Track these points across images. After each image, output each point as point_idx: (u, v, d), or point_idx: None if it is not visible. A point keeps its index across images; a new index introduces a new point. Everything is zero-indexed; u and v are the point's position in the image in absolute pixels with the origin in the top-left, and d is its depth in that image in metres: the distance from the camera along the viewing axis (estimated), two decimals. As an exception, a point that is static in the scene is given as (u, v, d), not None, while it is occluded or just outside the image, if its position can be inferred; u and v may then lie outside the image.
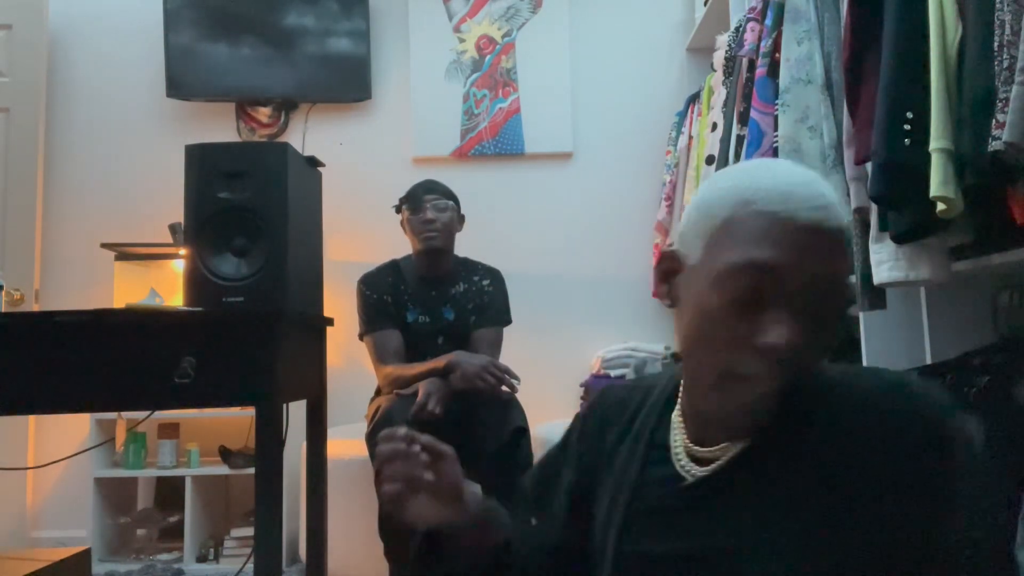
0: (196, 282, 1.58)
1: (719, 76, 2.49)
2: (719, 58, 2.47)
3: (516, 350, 2.67)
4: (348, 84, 3.27)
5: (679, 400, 0.82)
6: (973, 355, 1.54)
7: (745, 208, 0.70)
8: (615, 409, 0.90)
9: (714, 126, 2.51)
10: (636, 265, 3.27)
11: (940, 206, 1.33)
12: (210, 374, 1.49)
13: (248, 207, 1.59)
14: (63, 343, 1.49)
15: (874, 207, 1.60)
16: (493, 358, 2.29)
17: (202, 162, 1.61)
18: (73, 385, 1.49)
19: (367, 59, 3.27)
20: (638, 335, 3.20)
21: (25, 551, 2.33)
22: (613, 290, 3.30)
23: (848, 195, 1.76)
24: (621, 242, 3.31)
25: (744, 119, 2.16)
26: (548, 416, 3.03)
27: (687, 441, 0.79)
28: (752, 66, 2.17)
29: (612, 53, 3.40)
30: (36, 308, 2.92)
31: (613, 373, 2.91)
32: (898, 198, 1.43)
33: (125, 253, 2.96)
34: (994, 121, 1.19)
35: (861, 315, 1.75)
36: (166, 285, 2.94)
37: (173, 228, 2.86)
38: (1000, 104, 1.18)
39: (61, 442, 3.10)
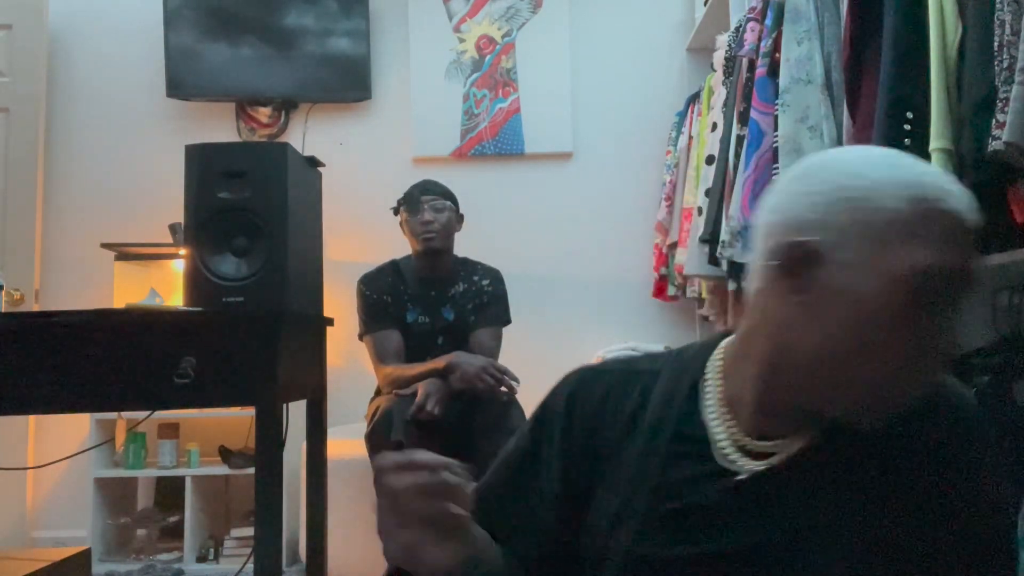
0: (196, 282, 1.58)
1: (719, 76, 2.49)
2: (719, 58, 2.48)
3: (516, 350, 2.67)
4: (348, 84, 3.27)
5: (718, 388, 0.77)
6: (973, 355, 1.54)
7: (922, 204, 0.65)
8: (607, 401, 0.81)
9: (714, 126, 2.51)
10: (636, 265, 3.27)
11: (940, 206, 1.33)
12: (210, 374, 1.49)
13: (248, 207, 1.59)
14: (63, 343, 1.49)
15: (874, 207, 1.60)
16: (492, 358, 2.29)
17: (202, 162, 1.61)
18: (73, 385, 1.49)
19: (367, 59, 3.27)
20: (638, 335, 3.20)
21: (25, 551, 2.33)
22: (613, 290, 3.30)
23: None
24: (621, 242, 3.31)
25: (744, 119, 2.16)
26: (548, 416, 3.03)
27: (738, 433, 0.74)
28: (752, 66, 2.17)
29: (612, 53, 3.40)
30: (36, 308, 2.92)
31: (613, 373, 2.91)
32: (898, 198, 1.42)
33: (125, 253, 2.96)
34: (994, 121, 1.19)
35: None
36: (166, 285, 2.94)
37: (173, 228, 2.86)
38: (1000, 104, 1.18)
39: (61, 442, 3.09)
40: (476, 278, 2.44)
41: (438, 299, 2.38)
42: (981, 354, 1.55)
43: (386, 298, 2.35)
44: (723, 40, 2.48)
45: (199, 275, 1.58)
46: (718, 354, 0.80)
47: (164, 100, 3.26)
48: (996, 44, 1.21)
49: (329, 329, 1.98)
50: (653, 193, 3.28)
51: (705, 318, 2.85)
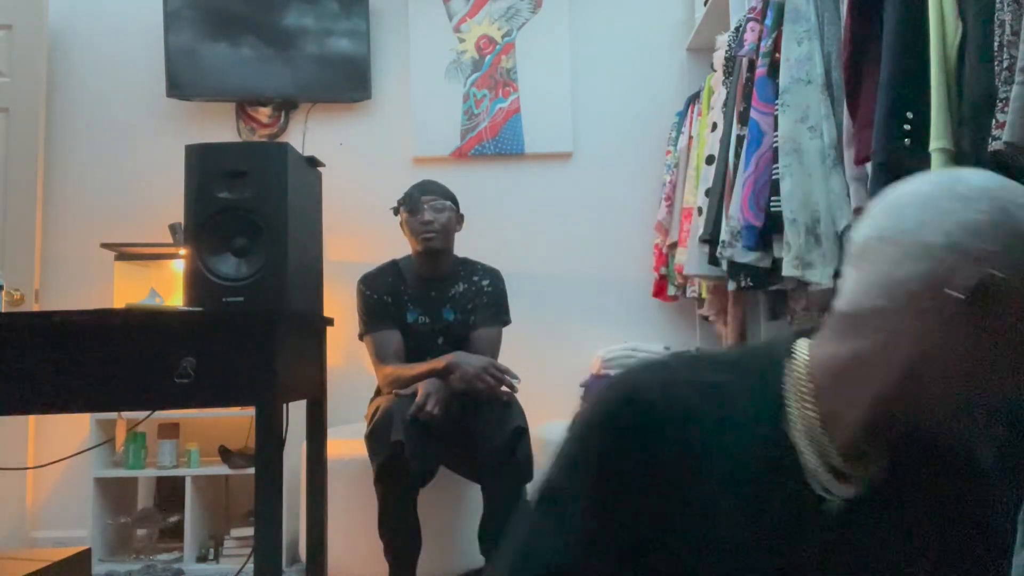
0: (196, 282, 1.58)
1: (719, 76, 2.49)
2: (719, 58, 2.48)
3: (516, 350, 2.67)
4: (348, 84, 3.27)
5: (808, 406, 0.71)
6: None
7: None
8: (668, 426, 0.71)
9: (714, 126, 2.51)
10: (636, 265, 3.27)
11: (940, 206, 1.33)
12: (210, 374, 1.49)
13: (248, 207, 1.59)
14: (63, 343, 1.49)
15: (874, 207, 1.60)
16: (493, 358, 2.29)
17: (202, 162, 1.61)
18: (73, 385, 1.49)
19: (367, 59, 3.27)
20: (638, 335, 3.20)
21: (25, 551, 2.33)
22: (613, 290, 3.30)
23: (848, 195, 1.77)
24: (621, 242, 3.31)
25: (744, 119, 2.16)
26: (548, 416, 3.03)
27: (833, 455, 0.70)
28: (752, 66, 2.17)
29: (612, 53, 3.40)
30: (36, 308, 2.92)
31: (613, 373, 2.90)
32: (898, 198, 1.43)
33: (125, 253, 2.96)
34: (994, 121, 1.19)
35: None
36: (166, 285, 2.95)
37: (173, 228, 2.86)
38: (1000, 104, 1.18)
39: (61, 442, 3.10)
40: (476, 278, 2.44)
41: (438, 299, 2.38)
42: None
43: (386, 298, 2.35)
44: (723, 40, 2.48)
45: (199, 275, 1.58)
46: (799, 368, 0.73)
47: (164, 100, 3.26)
48: (996, 44, 1.21)
49: (329, 329, 1.98)
50: (653, 193, 3.28)
51: (705, 318, 2.84)
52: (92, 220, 3.25)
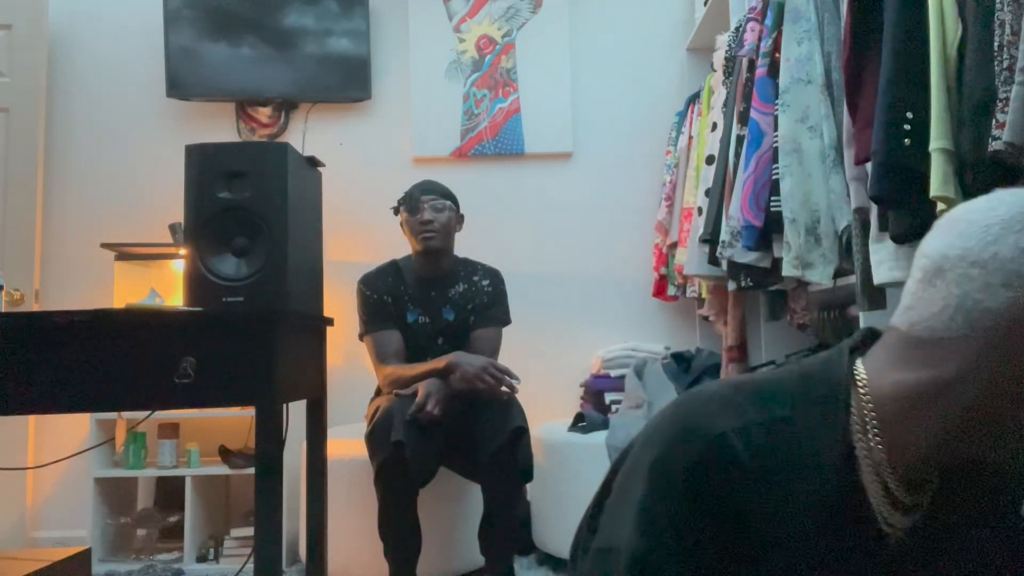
0: (196, 282, 1.58)
1: (719, 76, 2.49)
2: (719, 58, 2.48)
3: (516, 350, 2.67)
4: (348, 84, 3.27)
5: (872, 438, 0.68)
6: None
7: None
8: (754, 486, 0.68)
9: (714, 126, 2.51)
10: (636, 265, 3.28)
11: (940, 206, 1.33)
12: (210, 374, 1.49)
13: (248, 207, 1.59)
14: (63, 343, 1.49)
15: (874, 207, 1.60)
16: (493, 359, 2.29)
17: (202, 162, 1.61)
18: (73, 385, 1.49)
19: (367, 59, 3.27)
20: (638, 335, 3.21)
21: (25, 551, 2.32)
22: (613, 290, 3.30)
23: (848, 195, 1.77)
24: (621, 242, 3.31)
25: (744, 119, 2.16)
26: (548, 416, 3.04)
27: (898, 489, 0.68)
28: (752, 66, 2.17)
29: (612, 53, 3.40)
30: (36, 308, 2.92)
31: (613, 373, 2.91)
32: (898, 198, 1.43)
33: (125, 253, 2.96)
34: (994, 121, 1.19)
35: (861, 315, 1.75)
36: (166, 285, 2.95)
37: (173, 228, 2.86)
38: (1000, 104, 1.18)
39: (61, 442, 3.10)
40: (476, 278, 2.44)
41: (438, 299, 2.38)
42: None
43: (386, 298, 2.35)
44: (723, 40, 2.48)
45: (199, 275, 1.58)
46: (864, 396, 0.69)
47: (164, 100, 3.27)
48: (996, 44, 1.21)
49: (329, 329, 1.98)
50: (653, 193, 3.29)
51: (705, 318, 2.85)
52: (92, 220, 3.25)
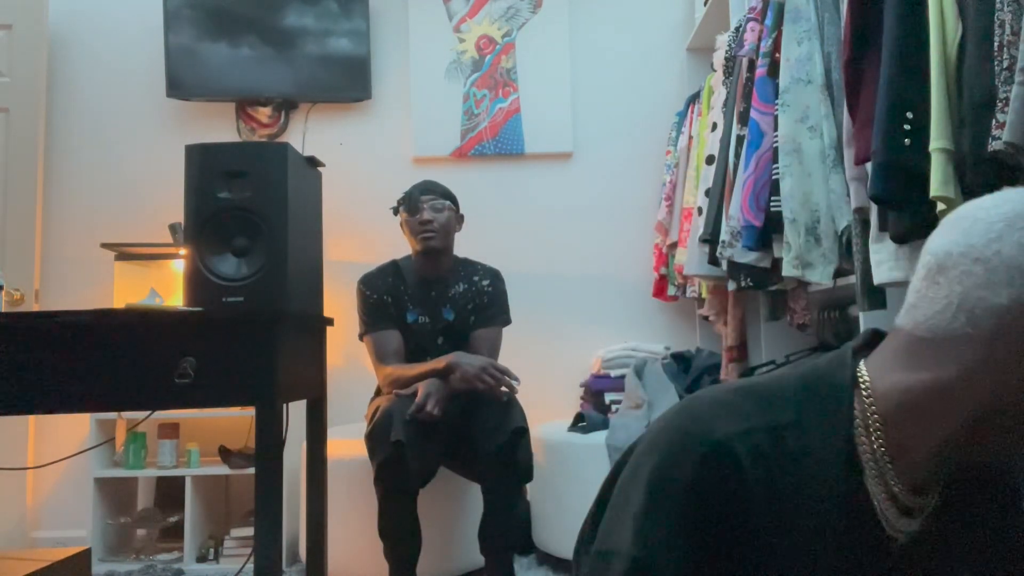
0: (196, 282, 1.58)
1: (719, 76, 2.49)
2: (719, 58, 2.48)
3: (516, 350, 2.67)
4: (348, 84, 3.27)
5: (876, 440, 0.67)
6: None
7: None
8: (756, 491, 0.67)
9: (714, 126, 2.51)
10: (636, 265, 3.28)
11: (940, 206, 1.33)
12: (210, 374, 1.49)
13: (248, 207, 1.59)
14: (63, 343, 1.49)
15: (874, 207, 1.60)
16: (492, 359, 2.29)
17: (202, 162, 1.61)
18: (73, 385, 1.49)
19: (367, 59, 3.27)
20: (638, 335, 3.21)
21: (25, 551, 2.33)
22: (613, 290, 3.30)
23: (848, 195, 1.77)
24: (621, 242, 3.31)
25: (744, 119, 2.16)
26: (548, 416, 3.04)
27: (903, 492, 0.67)
28: (752, 66, 2.17)
29: (612, 53, 3.40)
30: (36, 308, 2.92)
31: (613, 373, 2.91)
32: (898, 198, 1.43)
33: (125, 253, 2.96)
34: (994, 121, 1.19)
35: (861, 315, 1.75)
36: (166, 285, 2.95)
37: (173, 228, 2.86)
38: (1000, 104, 1.18)
39: (61, 442, 3.10)
40: (476, 278, 2.44)
41: (438, 299, 2.38)
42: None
43: (386, 298, 2.35)
44: (723, 40, 2.48)
45: (199, 275, 1.58)
46: (867, 398, 0.69)
47: (164, 100, 3.27)
48: (996, 44, 1.21)
49: (329, 329, 1.98)
50: (653, 193, 3.29)
51: (705, 318, 2.85)
52: (92, 220, 3.25)
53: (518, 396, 2.21)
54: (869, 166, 1.53)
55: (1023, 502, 0.74)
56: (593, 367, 3.08)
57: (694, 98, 2.99)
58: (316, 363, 1.92)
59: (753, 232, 2.03)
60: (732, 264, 2.17)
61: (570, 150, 3.34)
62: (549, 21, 3.35)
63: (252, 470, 1.54)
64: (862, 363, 0.70)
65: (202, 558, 2.80)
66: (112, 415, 2.85)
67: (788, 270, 1.90)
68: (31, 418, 2.98)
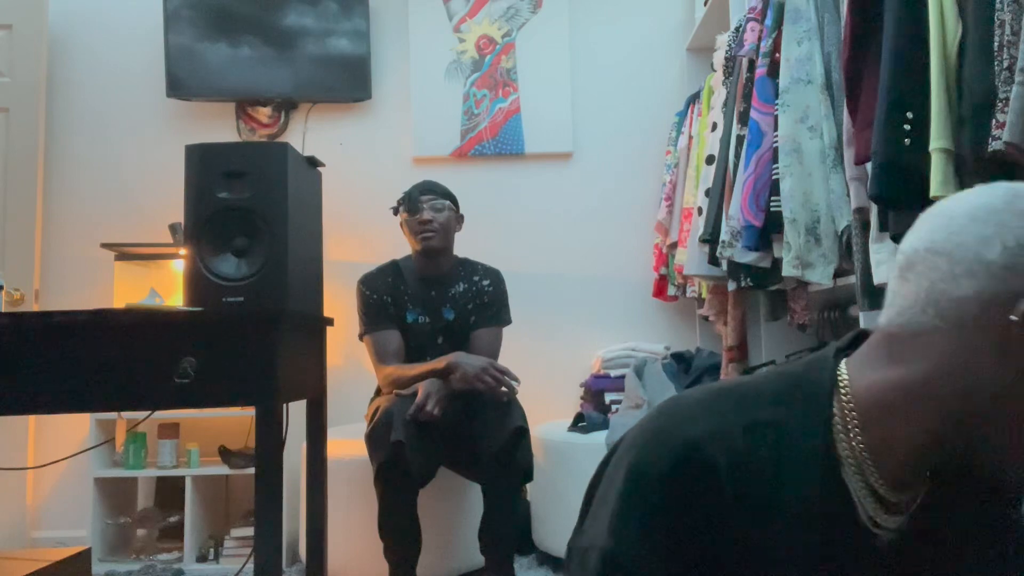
0: (196, 282, 1.58)
1: (719, 76, 2.49)
2: (719, 58, 2.48)
3: (516, 350, 2.67)
4: (348, 84, 3.27)
5: (855, 438, 0.67)
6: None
7: None
8: (731, 490, 0.67)
9: (714, 126, 2.51)
10: (636, 265, 3.28)
11: (940, 206, 1.33)
12: (210, 374, 1.49)
13: (248, 207, 1.59)
14: (63, 343, 1.49)
15: (874, 207, 1.60)
16: (493, 359, 2.29)
17: (202, 162, 1.61)
18: (73, 385, 1.49)
19: (367, 59, 3.27)
20: (638, 335, 3.21)
21: (25, 551, 2.33)
22: (613, 290, 3.30)
23: (848, 195, 1.77)
24: (621, 242, 3.31)
25: (744, 119, 2.16)
26: (548, 416, 3.04)
27: (883, 488, 0.67)
28: (752, 66, 2.17)
29: (612, 53, 3.40)
30: (36, 308, 2.92)
31: (613, 373, 2.91)
32: (898, 198, 1.43)
33: (125, 253, 2.96)
34: (994, 121, 1.19)
35: (861, 315, 1.75)
36: (166, 285, 2.95)
37: (173, 228, 2.86)
38: (1000, 104, 1.18)
39: (61, 442, 3.10)
40: (476, 278, 2.44)
41: (438, 299, 2.38)
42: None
43: (386, 298, 2.35)
44: (723, 40, 2.48)
45: (199, 275, 1.58)
46: (844, 397, 0.69)
47: (164, 100, 3.27)
48: (996, 44, 1.21)
49: (329, 329, 1.98)
50: (653, 193, 3.29)
51: (705, 318, 2.85)
52: (92, 220, 3.25)
53: (518, 396, 2.21)
54: (869, 166, 1.53)
55: (1011, 498, 0.74)
56: (593, 367, 3.08)
57: (694, 98, 2.99)
58: (316, 363, 1.92)
59: (753, 232, 2.03)
60: (732, 264, 2.17)
61: (570, 150, 3.34)
62: (549, 21, 3.35)
63: (252, 470, 1.53)
64: (843, 363, 0.71)
65: (202, 558, 2.80)
66: (112, 415, 2.85)
67: (788, 270, 1.90)
68: (31, 418, 2.98)
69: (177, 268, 2.97)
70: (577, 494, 0.81)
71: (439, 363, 2.18)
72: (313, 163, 1.84)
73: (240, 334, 1.52)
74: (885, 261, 1.57)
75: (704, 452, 0.67)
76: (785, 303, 2.29)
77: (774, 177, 1.97)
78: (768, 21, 2.08)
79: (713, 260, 2.33)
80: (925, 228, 0.66)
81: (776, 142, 1.98)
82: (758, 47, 2.14)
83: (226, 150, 1.65)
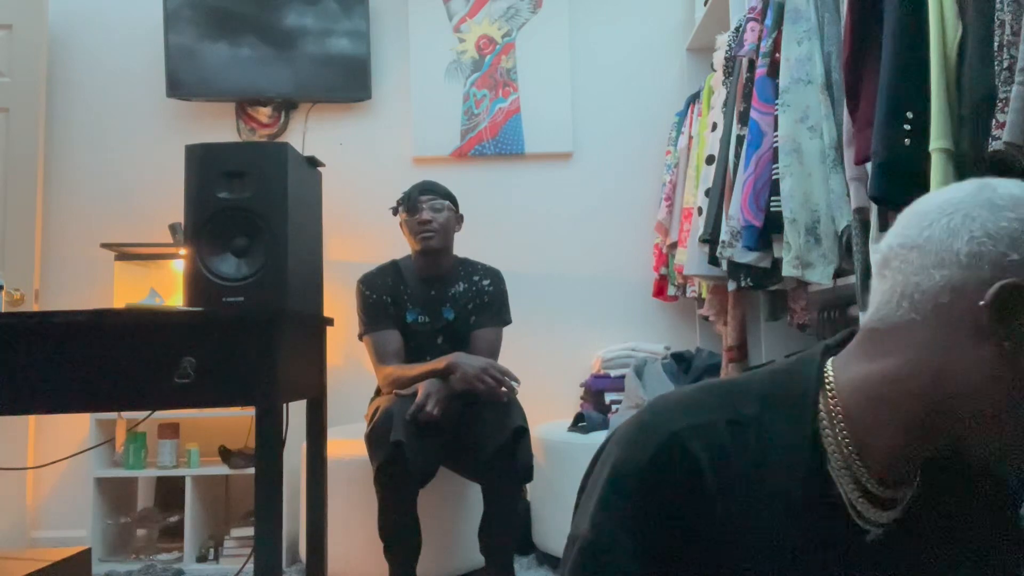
0: (196, 282, 1.58)
1: (719, 76, 2.49)
2: (719, 58, 2.48)
3: (516, 350, 2.67)
4: (348, 84, 3.27)
5: (840, 434, 0.68)
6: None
7: None
8: (706, 472, 0.67)
9: (714, 126, 2.51)
10: (636, 265, 3.28)
11: (940, 206, 1.33)
12: (210, 374, 1.49)
13: (248, 207, 1.59)
14: (63, 343, 1.49)
15: (874, 207, 1.60)
16: (493, 359, 2.29)
17: (202, 162, 1.61)
18: (73, 385, 1.49)
19: (367, 59, 3.27)
20: (638, 335, 3.21)
21: (25, 551, 2.33)
22: (613, 290, 3.30)
23: (848, 195, 1.77)
24: (621, 242, 3.31)
25: (744, 119, 2.16)
26: (548, 416, 3.03)
27: (870, 482, 0.68)
28: (752, 66, 2.17)
29: (612, 53, 3.40)
30: (36, 308, 2.92)
31: (613, 373, 2.91)
32: (898, 198, 1.43)
33: (125, 253, 2.96)
34: (994, 121, 1.19)
35: (861, 315, 1.75)
36: (166, 285, 2.95)
37: (173, 228, 2.86)
38: (1000, 104, 1.18)
39: (61, 442, 3.10)
40: (476, 278, 2.44)
41: (438, 299, 2.38)
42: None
43: (386, 298, 2.35)
44: (723, 40, 2.48)
45: (199, 275, 1.58)
46: (829, 393, 0.70)
47: (164, 100, 3.27)
48: (996, 44, 1.21)
49: (329, 329, 1.98)
50: (653, 193, 3.29)
51: (705, 318, 2.85)
52: (92, 220, 3.25)
53: (518, 396, 2.21)
54: (869, 166, 1.53)
55: (1019, 501, 0.74)
56: (593, 367, 3.08)
57: (694, 98, 2.99)
58: (316, 363, 1.92)
59: (753, 232, 2.03)
60: (732, 264, 2.17)
61: (570, 150, 3.34)
62: (549, 21, 3.35)
63: (252, 470, 1.53)
64: (829, 360, 0.72)
65: (202, 558, 2.80)
66: (112, 415, 2.85)
67: (788, 270, 1.90)
68: (31, 418, 2.98)
69: (177, 268, 2.97)
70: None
71: (439, 363, 2.18)
72: (313, 163, 1.84)
73: (240, 334, 1.52)
74: (885, 261, 1.57)
75: (686, 445, 0.68)
76: (785, 303, 2.29)
77: (774, 177, 1.97)
78: (768, 21, 2.08)
79: (713, 260, 2.33)
80: (900, 225, 0.68)
81: (776, 142, 1.98)
82: (758, 47, 2.14)
83: (226, 150, 1.65)
